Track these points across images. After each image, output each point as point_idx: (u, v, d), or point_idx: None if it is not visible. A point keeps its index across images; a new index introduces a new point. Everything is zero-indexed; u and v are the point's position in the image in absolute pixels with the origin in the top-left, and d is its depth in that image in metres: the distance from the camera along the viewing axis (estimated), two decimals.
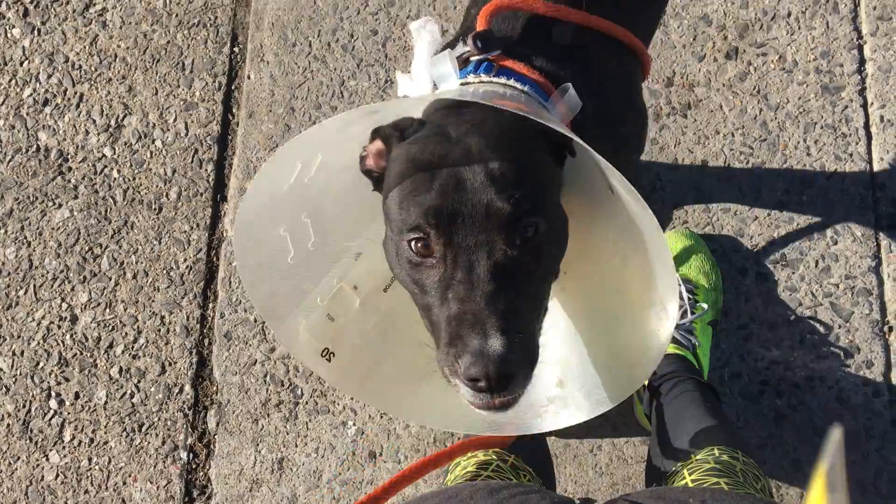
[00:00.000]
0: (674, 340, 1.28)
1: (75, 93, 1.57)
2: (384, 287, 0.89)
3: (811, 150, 1.44)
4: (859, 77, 1.45)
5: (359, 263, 0.88)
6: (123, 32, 1.59)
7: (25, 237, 1.50)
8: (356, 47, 1.57)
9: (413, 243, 0.74)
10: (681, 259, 1.39)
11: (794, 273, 1.40)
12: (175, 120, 1.54)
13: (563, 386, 0.87)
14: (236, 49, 1.59)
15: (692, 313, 1.30)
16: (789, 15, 1.47)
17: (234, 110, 1.56)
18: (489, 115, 0.79)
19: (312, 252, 0.87)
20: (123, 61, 1.57)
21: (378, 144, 0.83)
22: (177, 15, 1.59)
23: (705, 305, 1.31)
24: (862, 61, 1.46)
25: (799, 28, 1.47)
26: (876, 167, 1.42)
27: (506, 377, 0.69)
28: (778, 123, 1.45)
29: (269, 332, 1.43)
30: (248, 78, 1.56)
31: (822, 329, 1.37)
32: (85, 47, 1.59)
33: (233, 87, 1.57)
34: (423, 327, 0.80)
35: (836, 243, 1.40)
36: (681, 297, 1.32)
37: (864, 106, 1.44)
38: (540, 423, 0.86)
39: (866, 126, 1.44)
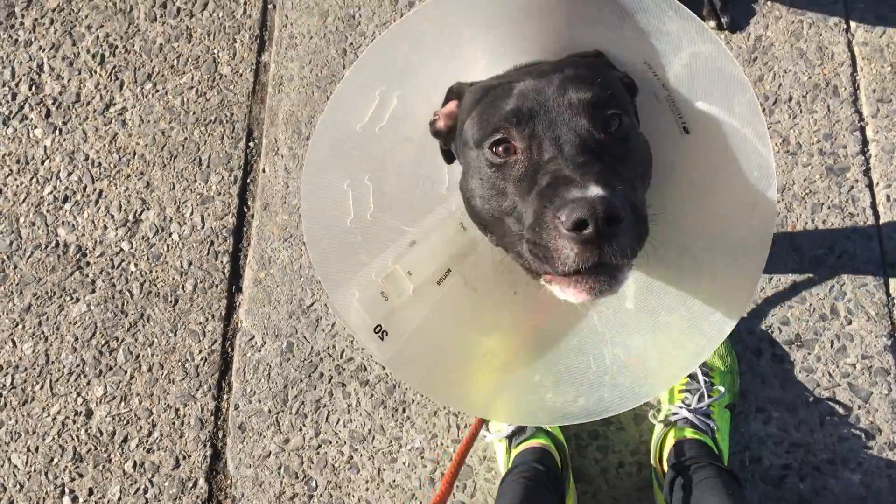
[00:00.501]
0: (692, 425, 1.34)
1: (95, 189, 1.70)
2: (437, 280, 0.92)
3: (820, 230, 1.53)
4: (863, 158, 1.56)
5: (413, 252, 0.92)
6: (142, 130, 1.73)
7: (43, 332, 1.60)
8: None
9: (494, 148, 0.76)
10: None
11: (809, 353, 1.46)
12: (192, 213, 1.67)
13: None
14: (251, 144, 1.72)
15: (709, 397, 1.37)
16: (790, 99, 1.59)
17: (249, 203, 1.68)
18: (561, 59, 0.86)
19: (371, 223, 0.90)
20: (142, 158, 1.71)
21: (450, 106, 0.88)
22: (194, 112, 1.73)
23: (722, 388, 1.38)
24: (865, 142, 1.57)
25: (801, 111, 1.59)
26: (885, 245, 1.51)
27: (613, 217, 0.64)
28: (785, 204, 1.55)
29: (282, 423, 1.50)
30: (263, 171, 1.69)
31: (841, 410, 1.42)
32: (105, 145, 1.73)
33: (248, 181, 1.69)
34: (475, 324, 0.86)
35: (850, 323, 1.47)
36: (697, 380, 1.39)
37: (870, 186, 1.54)
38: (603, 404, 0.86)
39: (873, 206, 1.53)
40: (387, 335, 0.86)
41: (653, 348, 0.87)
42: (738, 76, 0.75)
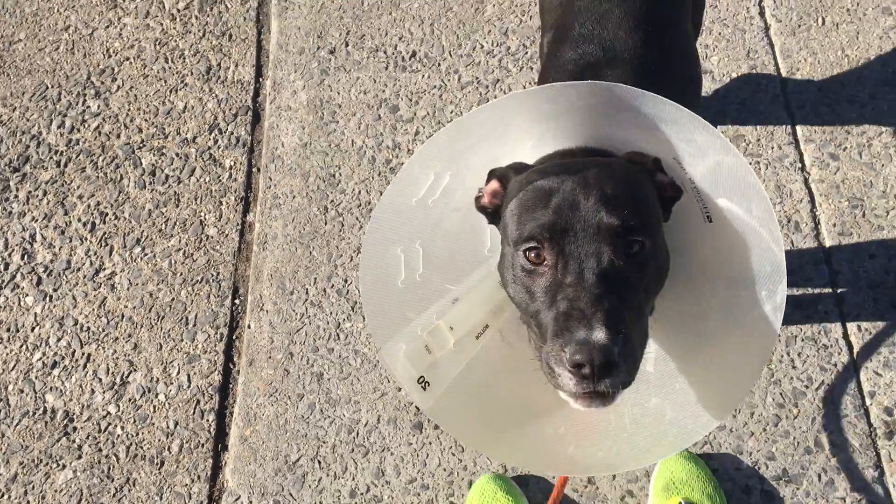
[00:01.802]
0: None
1: (83, 354, 1.96)
2: (476, 334, 1.10)
3: (796, 362, 1.77)
4: (830, 289, 1.82)
5: (455, 308, 1.10)
6: (130, 293, 2.02)
7: (28, 502, 1.81)
8: (350, 291, 1.98)
9: (527, 253, 0.97)
10: (682, 483, 1.66)
11: (798, 489, 1.66)
12: (178, 373, 1.92)
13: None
14: (237, 301, 2.00)
15: None
16: None
17: (234, 359, 1.94)
18: (605, 160, 1.04)
19: (419, 283, 1.10)
20: (130, 320, 1.99)
21: (494, 185, 1.09)
22: (181, 274, 2.03)
23: None
24: (831, 274, 1.83)
25: None
26: (861, 376, 1.74)
27: (609, 364, 0.84)
28: None
29: None
30: (249, 327, 1.96)
31: None
32: (94, 310, 2.01)
33: (234, 337, 1.96)
34: (508, 376, 1.05)
35: (835, 455, 1.68)
36: None
37: (841, 317, 1.79)
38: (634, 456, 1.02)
39: (845, 336, 1.78)
40: (429, 385, 1.03)
41: (669, 409, 1.06)
42: (757, 186, 0.94)
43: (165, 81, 2.26)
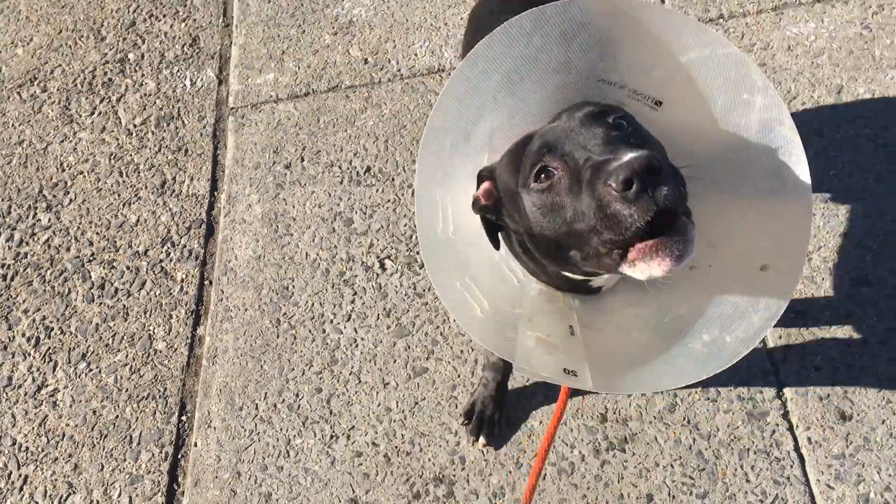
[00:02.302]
0: None
1: (20, 475, 1.96)
2: (570, 333, 1.18)
3: (749, 476, 1.84)
4: (780, 402, 1.92)
5: (533, 324, 1.18)
6: (73, 411, 2.05)
7: None
8: (301, 406, 2.03)
9: (538, 179, 1.01)
10: None
11: None
12: (119, 495, 1.92)
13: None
14: (184, 418, 2.04)
15: None
16: None
17: (179, 479, 1.95)
18: None
19: (491, 313, 1.16)
20: (71, 439, 2.01)
21: (486, 185, 1.14)
22: (127, 390, 2.07)
23: None
24: (779, 385, 1.94)
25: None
26: (815, 489, 1.82)
27: (651, 169, 0.84)
28: (713, 451, 1.88)
29: None
30: (195, 445, 1.99)
31: None
32: (34, 428, 2.03)
33: (179, 456, 1.98)
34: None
35: None
36: None
37: (791, 429, 1.89)
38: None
39: (797, 448, 1.86)
40: (575, 375, 1.09)
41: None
42: (691, 20, 1.06)
43: (119, 195, 2.36)
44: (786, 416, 1.86)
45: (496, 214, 1.17)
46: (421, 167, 1.14)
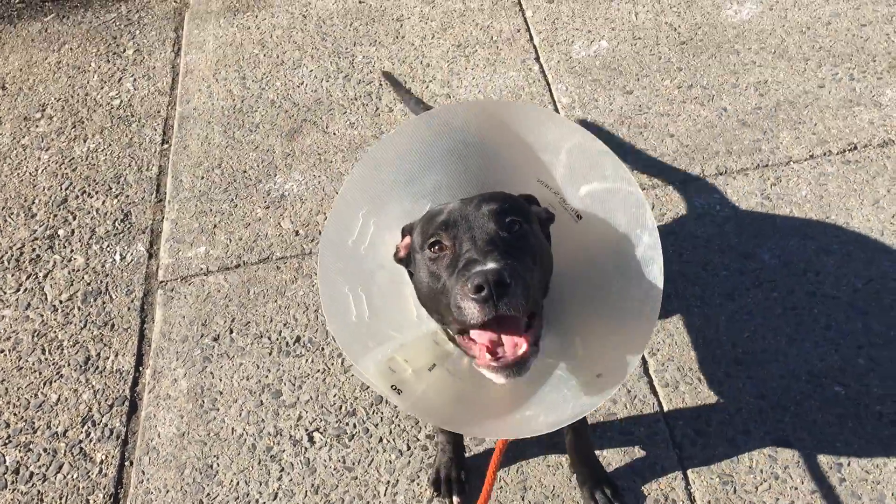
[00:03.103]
0: None
1: None
2: (428, 368, 1.33)
3: None
4: None
5: (405, 350, 1.34)
6: None
7: None
8: None
9: (430, 247, 1.24)
10: None
11: None
12: None
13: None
14: None
15: None
16: None
17: None
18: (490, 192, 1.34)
19: (369, 324, 1.34)
20: None
21: (407, 239, 1.37)
22: None
23: None
24: None
25: None
26: None
27: (502, 283, 1.07)
28: None
29: None
30: None
31: None
32: None
33: None
34: (459, 392, 1.30)
35: None
36: None
37: None
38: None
39: None
40: (401, 392, 1.27)
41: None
42: (600, 149, 1.32)
43: (40, 373, 2.32)
44: None
45: (407, 266, 1.39)
46: (350, 183, 1.38)
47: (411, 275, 1.38)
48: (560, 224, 1.42)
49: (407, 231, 1.39)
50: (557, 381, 1.30)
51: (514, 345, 1.12)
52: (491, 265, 1.09)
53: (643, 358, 2.16)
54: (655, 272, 1.27)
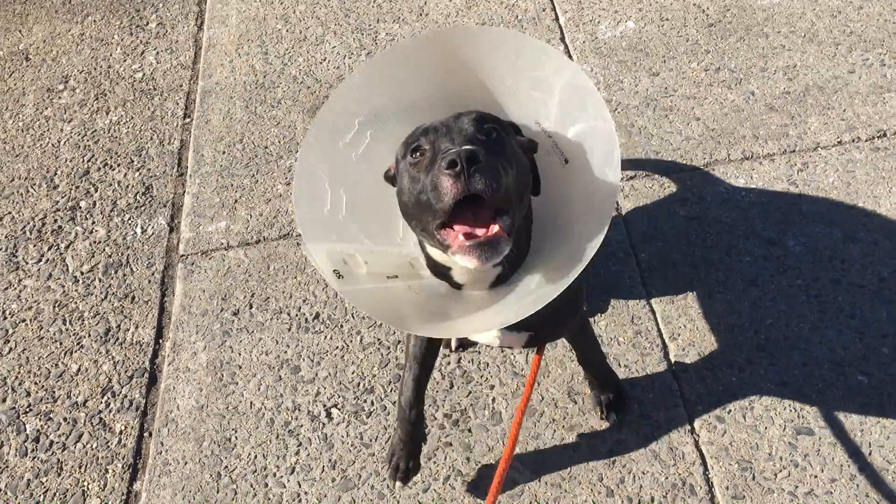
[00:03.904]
0: None
1: None
2: (387, 276, 1.38)
3: None
4: None
5: (370, 255, 1.39)
6: None
7: None
8: None
9: (413, 154, 1.28)
10: None
11: None
12: None
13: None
14: None
15: None
16: (652, 500, 1.98)
17: None
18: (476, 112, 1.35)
19: (341, 222, 1.39)
20: None
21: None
22: None
23: None
24: None
25: None
26: None
27: (473, 157, 1.12)
28: None
29: None
30: None
31: None
32: None
33: None
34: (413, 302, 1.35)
35: None
36: None
37: None
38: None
39: None
40: (342, 277, 1.30)
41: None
42: (588, 85, 1.34)
43: (61, 343, 2.33)
44: None
45: (395, 182, 1.41)
46: (348, 87, 1.46)
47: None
48: (547, 168, 1.44)
49: (398, 150, 1.41)
50: (521, 291, 1.33)
51: (488, 228, 1.16)
52: (466, 147, 1.15)
53: (663, 342, 2.15)
54: (607, 206, 1.28)
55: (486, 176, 1.13)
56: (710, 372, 2.09)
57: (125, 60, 3.27)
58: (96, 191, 2.77)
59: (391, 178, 1.43)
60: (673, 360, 2.12)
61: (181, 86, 3.12)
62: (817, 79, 2.81)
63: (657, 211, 2.46)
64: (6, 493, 2.03)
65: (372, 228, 1.45)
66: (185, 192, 2.74)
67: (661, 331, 2.18)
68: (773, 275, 2.29)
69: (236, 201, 2.69)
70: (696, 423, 2.02)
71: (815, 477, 1.90)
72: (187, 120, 3.00)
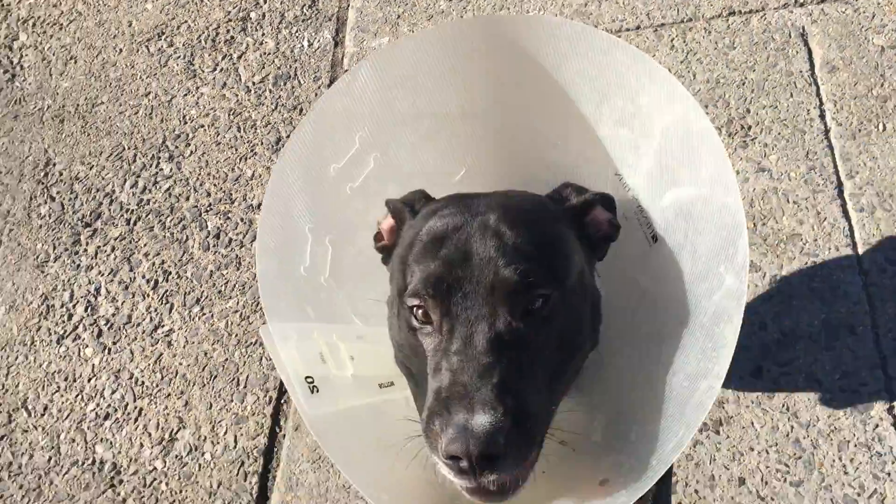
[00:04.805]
0: None
1: (135, 407, 2.10)
2: (380, 383, 0.99)
3: (848, 468, 1.81)
4: (887, 395, 1.87)
5: (360, 345, 0.99)
6: (186, 351, 2.17)
7: None
8: None
9: (414, 310, 0.87)
10: None
11: None
12: (226, 433, 2.04)
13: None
14: None
15: None
16: (809, 336, 1.96)
17: (281, 423, 2.05)
18: (515, 195, 0.96)
19: (323, 287, 0.98)
20: (183, 378, 2.13)
21: (389, 222, 1.01)
22: (236, 335, 2.18)
23: None
24: (888, 380, 1.89)
25: (820, 348, 1.94)
26: None
27: (490, 458, 0.74)
28: (811, 441, 1.85)
29: None
30: None
31: None
32: (149, 364, 2.16)
33: (282, 401, 2.08)
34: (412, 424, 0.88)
35: None
36: None
37: (895, 425, 1.84)
38: None
39: None
40: (317, 391, 0.91)
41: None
42: (704, 127, 0.88)
43: (236, 149, 2.46)
44: (891, 410, 1.82)
45: (385, 259, 1.07)
46: (332, 95, 1.00)
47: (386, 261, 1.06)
48: (625, 245, 1.02)
49: (394, 210, 1.03)
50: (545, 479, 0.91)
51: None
52: (480, 421, 0.75)
53: (838, 177, 2.04)
54: (727, 335, 0.84)
55: (506, 473, 0.79)
56: (887, 213, 1.99)
57: None
58: (265, 2, 2.81)
59: (382, 251, 1.05)
60: (847, 199, 2.02)
61: None
62: None
63: (847, 39, 2.27)
64: (192, 282, 2.23)
65: (365, 302, 1.04)
66: (349, 6, 2.75)
67: (837, 168, 2.07)
68: None
69: (399, 17, 2.68)
70: (866, 264, 1.94)
71: None
72: None
